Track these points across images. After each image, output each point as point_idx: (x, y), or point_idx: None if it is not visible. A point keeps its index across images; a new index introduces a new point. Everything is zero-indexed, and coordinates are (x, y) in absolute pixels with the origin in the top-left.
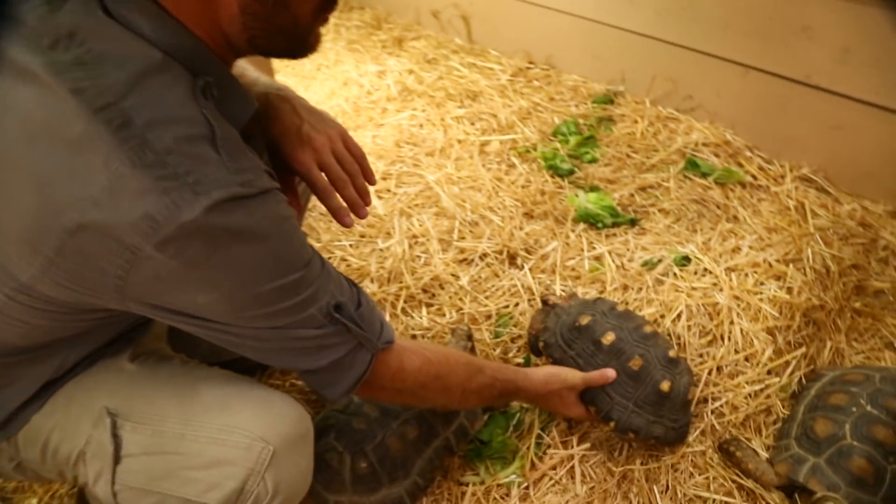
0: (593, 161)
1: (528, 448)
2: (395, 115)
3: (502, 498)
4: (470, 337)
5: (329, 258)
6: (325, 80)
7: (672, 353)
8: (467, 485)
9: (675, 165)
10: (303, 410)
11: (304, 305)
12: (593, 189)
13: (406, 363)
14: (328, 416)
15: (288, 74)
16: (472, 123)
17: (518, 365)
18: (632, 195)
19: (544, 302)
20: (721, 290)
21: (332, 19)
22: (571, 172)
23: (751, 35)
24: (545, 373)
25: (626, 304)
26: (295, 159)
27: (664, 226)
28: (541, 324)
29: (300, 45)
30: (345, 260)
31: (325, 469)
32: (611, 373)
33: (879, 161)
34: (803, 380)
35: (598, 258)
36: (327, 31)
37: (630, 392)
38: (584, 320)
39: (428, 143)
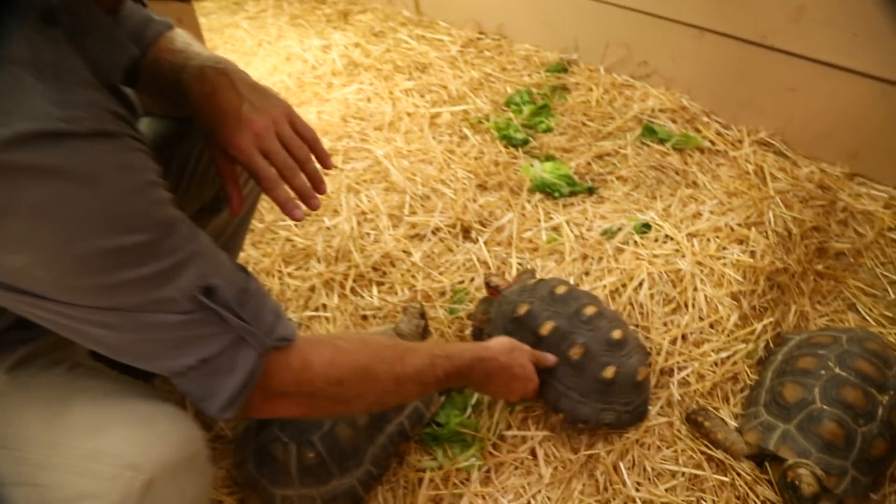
0: (548, 130)
1: (488, 430)
2: (342, 90)
3: (462, 483)
4: (423, 315)
5: (272, 239)
6: (266, 56)
7: (617, 335)
8: (424, 471)
9: (632, 132)
10: (193, 428)
11: (157, 281)
12: (549, 158)
13: (313, 358)
14: None
15: (228, 52)
16: (422, 96)
17: None
18: (589, 163)
19: (487, 284)
20: (683, 256)
21: None
22: (526, 142)
23: None
24: (506, 340)
25: (587, 274)
26: (232, 145)
27: (623, 193)
28: (484, 314)
29: None
30: (290, 240)
31: (271, 462)
32: (551, 357)
33: (835, 122)
34: (770, 345)
35: (555, 229)
36: (268, 7)
37: (575, 381)
38: (522, 310)
39: (376, 118)
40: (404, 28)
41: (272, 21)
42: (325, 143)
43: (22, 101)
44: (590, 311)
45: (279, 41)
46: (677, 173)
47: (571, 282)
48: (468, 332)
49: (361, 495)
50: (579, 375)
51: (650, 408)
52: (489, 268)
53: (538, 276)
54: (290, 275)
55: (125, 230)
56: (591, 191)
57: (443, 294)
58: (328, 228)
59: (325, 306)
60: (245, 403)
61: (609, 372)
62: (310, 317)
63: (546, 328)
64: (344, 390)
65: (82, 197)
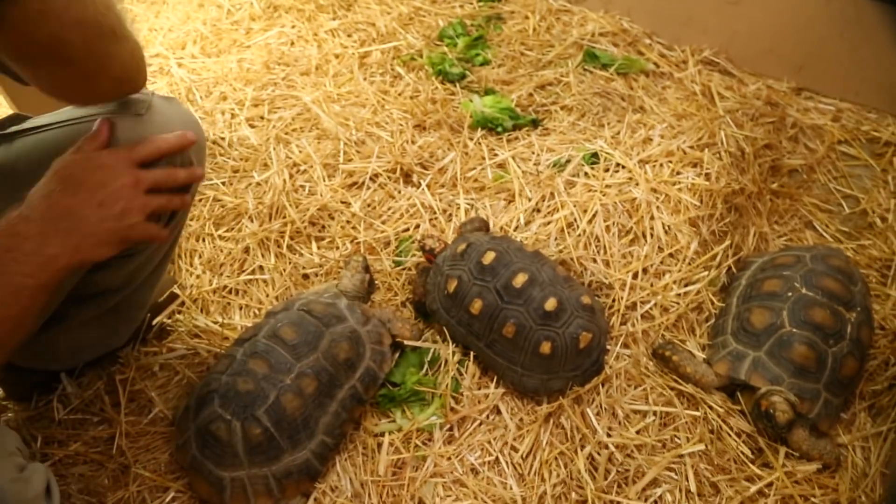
0: (485, 63)
1: (447, 387)
2: (262, 35)
3: (424, 443)
4: (367, 268)
5: (200, 200)
6: (177, 4)
7: (550, 305)
8: (383, 434)
9: (574, 59)
10: None
11: None
12: (489, 92)
13: None
14: (209, 380)
15: (134, 2)
16: (349, 35)
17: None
18: (531, 94)
19: (422, 248)
20: (637, 184)
21: None
22: (463, 77)
23: None
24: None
25: (538, 210)
26: None
27: (569, 123)
28: (422, 287)
29: None
30: (218, 200)
31: (214, 443)
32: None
33: (779, 36)
34: (732, 270)
35: (501, 165)
36: None
37: (515, 356)
38: (452, 285)
39: (302, 62)
40: None
41: None
42: (249, 93)
43: None
44: (520, 280)
45: None
46: (623, 99)
47: (521, 219)
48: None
49: (318, 468)
50: (518, 351)
51: (613, 347)
52: (434, 213)
53: (486, 217)
54: (221, 237)
55: None
56: (535, 123)
57: (387, 245)
58: (258, 184)
59: (261, 268)
60: None
61: (545, 347)
62: (246, 281)
63: (476, 307)
64: None
65: None
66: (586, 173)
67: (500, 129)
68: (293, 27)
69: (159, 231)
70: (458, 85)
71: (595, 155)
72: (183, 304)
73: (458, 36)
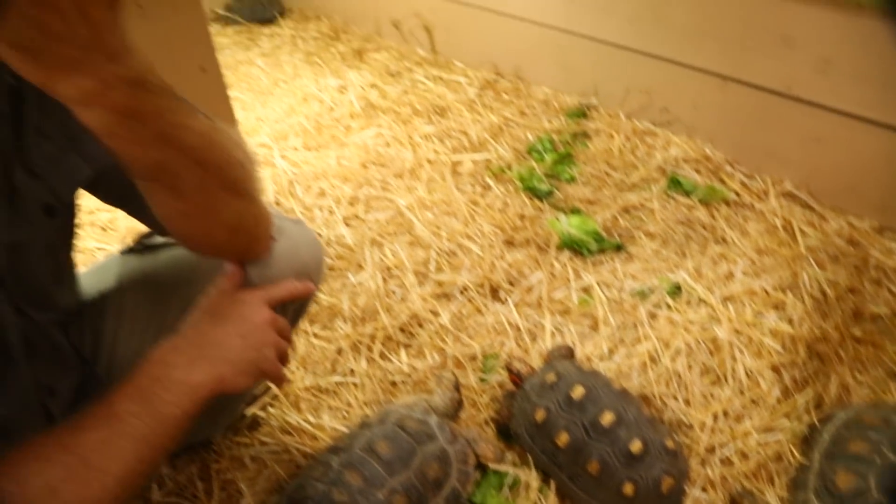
0: (571, 180)
1: None
2: (360, 133)
3: None
4: (457, 387)
5: None
6: (282, 96)
7: (636, 447)
8: None
9: (657, 184)
10: None
11: None
12: (574, 211)
13: None
14: (303, 485)
15: (244, 90)
16: (442, 141)
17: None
18: (615, 217)
19: (509, 370)
20: (719, 322)
21: (288, 30)
22: (550, 194)
23: (728, 44)
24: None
25: (622, 341)
26: None
27: (652, 251)
28: (507, 410)
29: None
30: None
31: None
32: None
33: (862, 174)
34: (815, 421)
35: (586, 289)
36: (283, 43)
37: (597, 493)
38: (539, 416)
39: (396, 164)
40: (420, 68)
41: (287, 58)
42: (346, 190)
43: None
44: (608, 419)
45: (295, 80)
46: (705, 228)
47: (605, 348)
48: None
49: None
50: (600, 488)
51: (691, 489)
52: (520, 331)
53: (571, 344)
54: (315, 335)
55: None
56: (619, 248)
57: (473, 359)
58: (353, 285)
59: (352, 371)
60: None
61: (628, 489)
62: (337, 382)
63: (562, 440)
64: None
65: None
66: (669, 305)
67: (585, 251)
68: (389, 129)
69: (284, 373)
70: (545, 201)
71: (678, 287)
72: (276, 397)
73: (545, 151)
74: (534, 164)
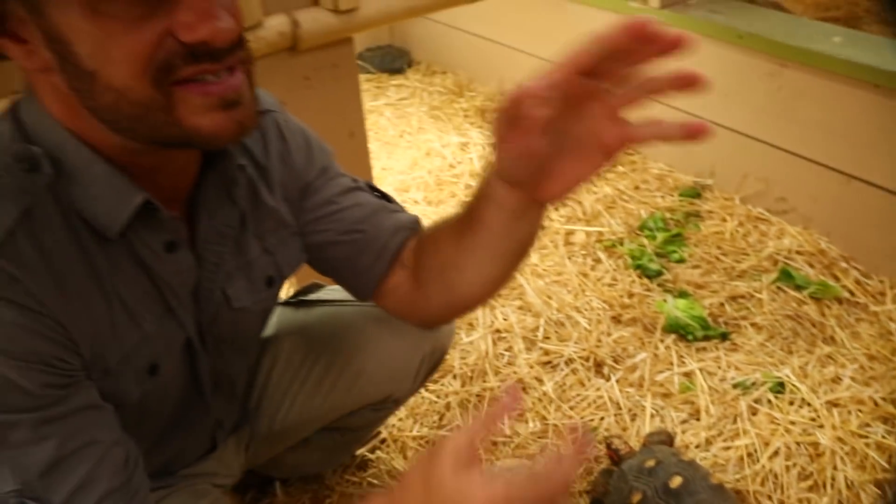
0: (681, 261)
1: None
2: None
3: None
4: None
5: None
6: (407, 149)
7: None
8: None
9: (768, 274)
10: None
11: None
12: (682, 294)
13: None
14: None
15: (371, 139)
16: (556, 209)
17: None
18: (722, 304)
19: (608, 446)
20: (822, 427)
21: (415, 82)
22: (659, 273)
23: (857, 145)
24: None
25: (720, 434)
26: None
27: (757, 343)
28: (603, 486)
29: (160, 127)
30: None
31: None
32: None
33: None
34: None
35: (688, 375)
36: (409, 95)
37: None
38: (636, 499)
39: None
40: None
41: (412, 111)
42: None
43: None
44: None
45: (419, 133)
46: (814, 326)
47: (703, 437)
48: (593, 476)
49: None
50: None
51: None
52: (620, 409)
53: (671, 430)
54: (426, 388)
55: None
56: (724, 336)
57: (573, 431)
58: (465, 344)
59: (458, 428)
60: None
61: None
62: (443, 436)
63: None
64: None
65: None
66: (770, 402)
67: (690, 336)
68: None
69: None
70: (654, 281)
71: (781, 384)
72: (384, 441)
73: (658, 229)
74: (645, 241)
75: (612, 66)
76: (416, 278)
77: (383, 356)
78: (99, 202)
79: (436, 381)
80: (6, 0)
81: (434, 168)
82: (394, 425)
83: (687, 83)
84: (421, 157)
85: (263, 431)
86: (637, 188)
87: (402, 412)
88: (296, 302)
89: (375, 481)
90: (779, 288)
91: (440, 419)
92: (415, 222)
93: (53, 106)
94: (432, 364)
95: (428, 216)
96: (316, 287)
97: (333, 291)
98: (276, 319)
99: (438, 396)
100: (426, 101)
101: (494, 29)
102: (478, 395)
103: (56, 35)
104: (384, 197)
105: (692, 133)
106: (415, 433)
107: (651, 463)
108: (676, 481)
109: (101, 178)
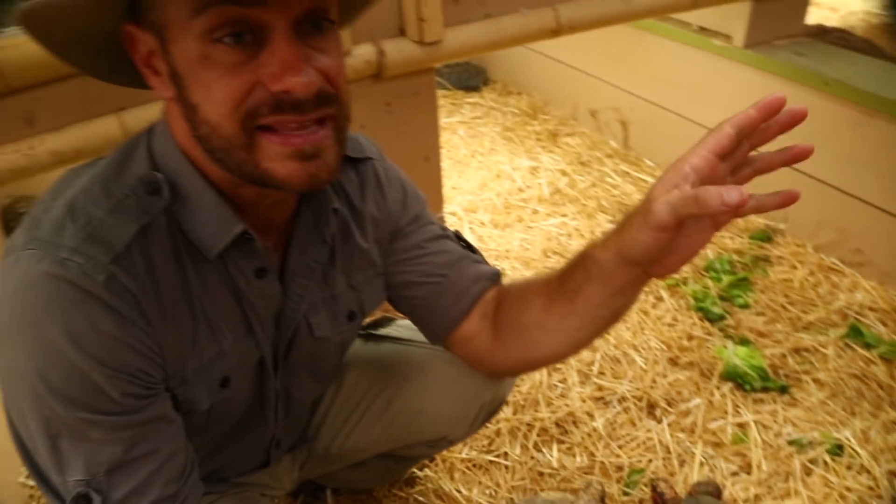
0: (745, 307)
1: None
2: (545, 220)
3: None
4: (603, 498)
5: None
6: (478, 169)
7: None
8: None
9: (836, 329)
10: None
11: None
12: (743, 342)
13: None
14: None
15: (444, 157)
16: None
17: None
18: (784, 356)
19: (653, 488)
20: (880, 497)
21: (490, 101)
22: (721, 318)
23: None
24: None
25: (769, 490)
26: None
27: (818, 400)
28: None
29: (241, 164)
30: None
31: None
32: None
33: None
34: None
35: (742, 426)
36: (483, 114)
37: None
38: None
39: None
40: (610, 160)
41: (485, 130)
42: (525, 274)
43: (42, 227)
44: None
45: (491, 154)
46: (882, 388)
47: (752, 492)
48: None
49: None
50: None
51: None
52: (669, 453)
53: (720, 482)
54: None
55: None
56: (783, 389)
57: (620, 469)
58: None
59: (506, 454)
60: None
61: None
62: (490, 461)
63: None
64: None
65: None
66: (827, 464)
67: (748, 386)
68: (574, 220)
69: None
70: (715, 325)
71: (840, 447)
72: (433, 461)
73: (724, 272)
74: (710, 282)
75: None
76: (495, 331)
77: (444, 400)
78: (204, 227)
79: None
80: (143, 36)
81: (503, 190)
82: None
83: (797, 158)
84: (491, 178)
85: (320, 453)
86: None
87: None
88: (365, 335)
89: (422, 499)
90: (846, 344)
91: (489, 444)
92: (496, 274)
93: (178, 132)
94: (490, 412)
95: (493, 239)
96: (386, 321)
97: (402, 329)
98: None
99: (490, 422)
100: (499, 121)
101: (572, 54)
102: (528, 425)
103: (176, 70)
104: (469, 247)
105: (785, 202)
106: (463, 455)
107: None
108: None
109: (210, 206)
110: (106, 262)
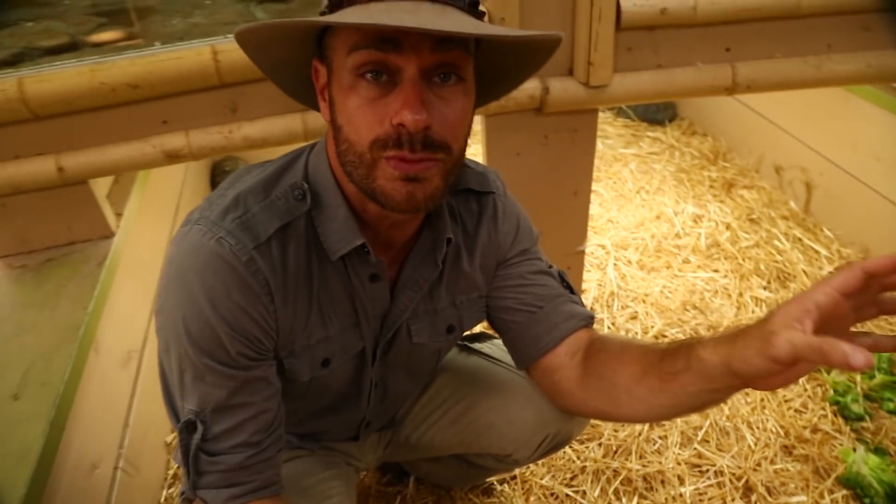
0: (893, 413)
1: None
2: (695, 272)
3: None
4: None
5: None
6: (639, 206)
7: None
8: None
9: None
10: None
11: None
12: (878, 451)
13: None
14: None
15: (608, 187)
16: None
17: None
18: None
19: None
20: None
21: (671, 139)
22: (860, 419)
23: None
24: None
25: None
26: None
27: None
28: None
29: (363, 178)
30: None
31: None
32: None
33: None
34: None
35: None
36: (660, 150)
37: None
38: None
39: (715, 317)
40: (783, 222)
41: (658, 168)
42: (657, 323)
43: (213, 210)
44: None
45: (657, 194)
46: None
47: None
48: None
49: None
50: None
51: None
52: None
53: None
54: (571, 446)
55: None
56: None
57: None
58: None
59: (584, 493)
60: None
61: None
62: (567, 496)
63: None
64: None
65: (177, 288)
66: None
67: (867, 500)
68: (725, 277)
69: None
70: (850, 425)
71: None
72: (514, 477)
73: (878, 369)
74: (858, 377)
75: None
76: (581, 374)
77: (514, 420)
78: (333, 234)
79: (581, 442)
80: (322, 69)
81: (658, 233)
82: (529, 467)
83: None
84: (650, 218)
85: (402, 440)
86: None
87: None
88: (462, 346)
89: None
90: None
91: (571, 479)
92: (590, 317)
93: (330, 151)
94: (555, 443)
95: (635, 279)
96: (484, 337)
97: (495, 348)
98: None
99: (579, 458)
100: (675, 161)
101: (767, 105)
102: (614, 471)
103: (332, 97)
104: (569, 288)
105: None
106: (544, 482)
107: None
108: None
109: (341, 218)
110: (250, 247)
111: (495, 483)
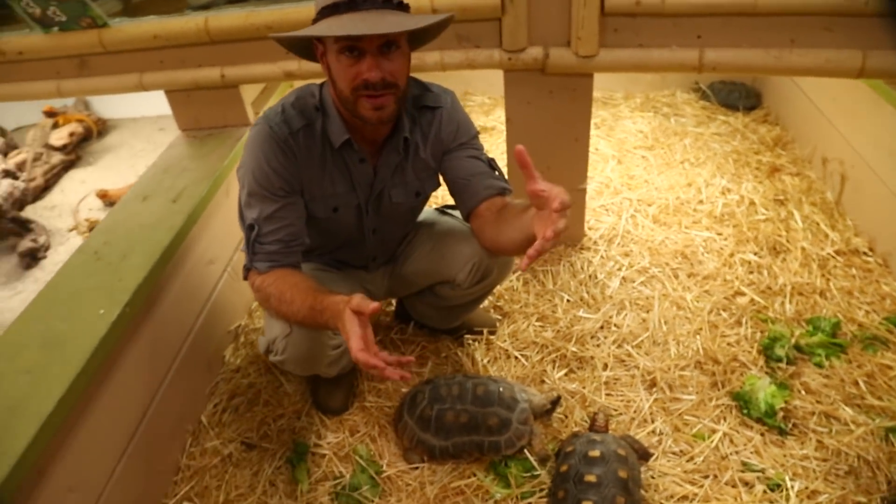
0: (819, 367)
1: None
2: (700, 231)
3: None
4: (554, 404)
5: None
6: (679, 174)
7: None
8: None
9: (887, 420)
10: None
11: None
12: (782, 385)
13: (257, 283)
14: (433, 380)
15: (658, 156)
16: (750, 273)
17: None
18: (812, 414)
19: (593, 420)
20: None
21: (740, 124)
22: (779, 360)
23: None
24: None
25: (693, 480)
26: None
27: (804, 454)
28: (569, 446)
29: (352, 108)
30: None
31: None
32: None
33: None
34: None
35: (714, 432)
36: (724, 132)
37: None
38: (563, 468)
39: (698, 267)
40: (810, 207)
41: (715, 146)
42: (644, 259)
43: (271, 111)
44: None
45: (698, 166)
46: (877, 469)
47: (679, 470)
48: None
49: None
50: None
51: None
52: (644, 419)
53: (659, 451)
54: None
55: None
56: (781, 431)
57: (588, 406)
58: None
59: (528, 357)
60: (248, 279)
61: None
62: (516, 356)
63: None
64: (267, 304)
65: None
66: (758, 491)
67: (745, 411)
68: (724, 240)
69: None
70: (770, 364)
71: (778, 485)
72: (482, 340)
73: (824, 331)
74: (798, 332)
75: None
76: (494, 224)
77: (456, 252)
78: (333, 133)
79: (542, 326)
80: (321, 48)
81: (684, 197)
82: (496, 335)
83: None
84: (682, 184)
85: (398, 273)
86: (849, 293)
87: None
88: (439, 209)
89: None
90: (887, 439)
91: (524, 348)
92: (504, 189)
93: (331, 90)
94: (482, 272)
95: (645, 229)
96: (453, 207)
97: (456, 212)
98: (425, 215)
99: (536, 335)
100: (734, 143)
101: (825, 100)
102: (557, 349)
103: (328, 63)
104: (496, 169)
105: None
106: (503, 345)
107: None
108: (594, 452)
109: (337, 124)
110: (286, 133)
111: (469, 340)
